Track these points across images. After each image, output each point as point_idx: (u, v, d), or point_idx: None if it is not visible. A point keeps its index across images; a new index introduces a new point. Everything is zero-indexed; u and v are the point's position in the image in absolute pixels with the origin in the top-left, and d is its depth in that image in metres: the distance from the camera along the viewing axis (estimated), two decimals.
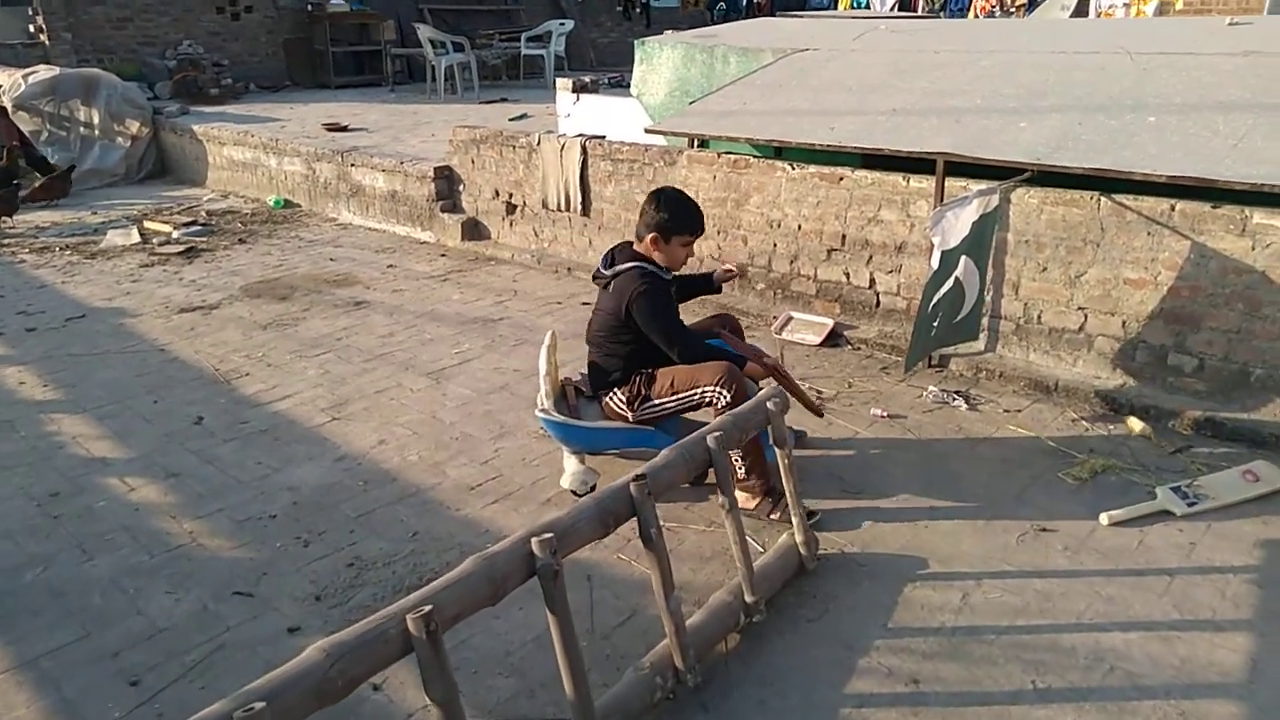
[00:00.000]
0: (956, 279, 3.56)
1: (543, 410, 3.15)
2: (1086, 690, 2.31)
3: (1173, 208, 3.60)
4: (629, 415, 3.13)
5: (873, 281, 4.56)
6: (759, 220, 4.89)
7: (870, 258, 4.53)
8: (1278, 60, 4.27)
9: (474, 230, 6.58)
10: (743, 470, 3.03)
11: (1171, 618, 2.55)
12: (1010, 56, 5.09)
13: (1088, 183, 3.75)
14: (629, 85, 6.52)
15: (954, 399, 3.85)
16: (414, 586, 2.75)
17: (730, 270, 3.48)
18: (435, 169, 6.64)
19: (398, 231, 7.09)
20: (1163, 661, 2.39)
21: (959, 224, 3.47)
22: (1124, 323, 3.81)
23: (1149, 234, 3.66)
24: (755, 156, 4.96)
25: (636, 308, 3.01)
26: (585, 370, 3.31)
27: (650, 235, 3.08)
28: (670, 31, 7.16)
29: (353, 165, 7.34)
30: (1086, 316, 3.91)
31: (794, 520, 2.73)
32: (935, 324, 3.56)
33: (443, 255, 6.45)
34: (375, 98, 11.42)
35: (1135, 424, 3.62)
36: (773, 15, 10.72)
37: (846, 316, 4.69)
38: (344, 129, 8.65)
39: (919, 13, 10.71)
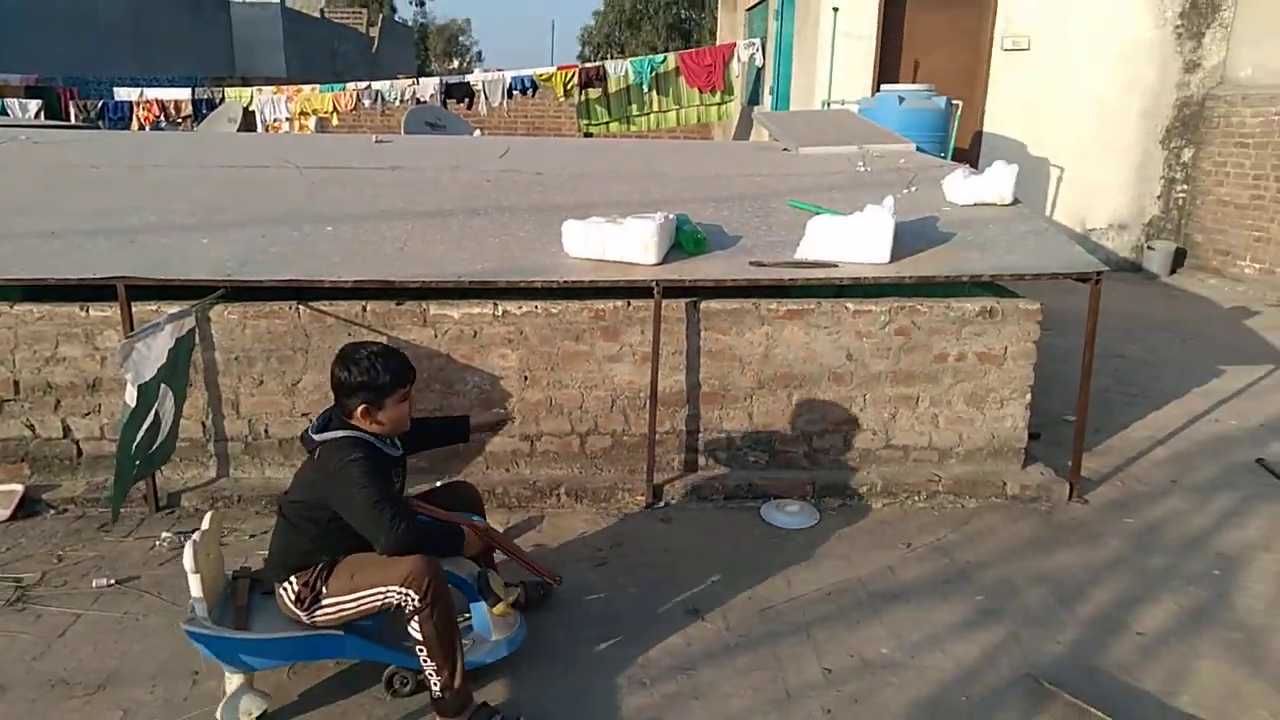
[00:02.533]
0: (156, 412, 3.22)
1: (189, 620, 2.46)
2: None
3: (365, 308, 3.86)
4: (301, 616, 2.50)
5: (67, 430, 3.86)
6: None
7: (58, 403, 3.83)
8: (416, 174, 5.01)
9: None
10: (437, 686, 2.44)
11: None
12: (180, 171, 4.93)
13: (285, 293, 3.80)
14: None
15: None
16: None
17: (502, 412, 3.09)
18: None
19: None
20: None
21: (153, 354, 3.13)
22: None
23: (350, 335, 3.86)
24: None
25: (336, 482, 2.43)
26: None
27: (359, 407, 2.51)
28: None
29: None
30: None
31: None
32: (138, 462, 3.18)
33: None
34: None
35: None
36: None
37: (42, 476, 3.88)
38: None
39: (73, 122, 9.74)
